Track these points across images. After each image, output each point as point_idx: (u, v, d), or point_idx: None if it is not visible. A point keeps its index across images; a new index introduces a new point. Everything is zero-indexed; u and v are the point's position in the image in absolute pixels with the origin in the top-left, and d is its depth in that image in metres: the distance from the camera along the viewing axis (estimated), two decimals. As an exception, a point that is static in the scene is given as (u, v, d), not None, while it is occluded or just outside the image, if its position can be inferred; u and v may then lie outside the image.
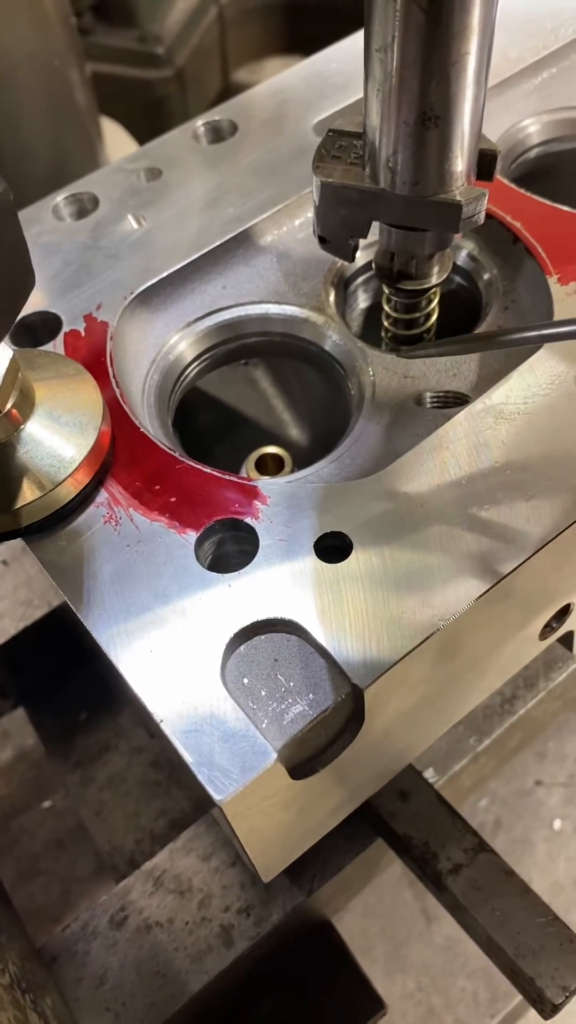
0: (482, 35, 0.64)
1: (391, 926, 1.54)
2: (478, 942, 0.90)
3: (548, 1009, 0.82)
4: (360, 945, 1.54)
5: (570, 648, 0.88)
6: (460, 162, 0.70)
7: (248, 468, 0.95)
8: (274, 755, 0.59)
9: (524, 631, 0.77)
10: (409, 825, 0.91)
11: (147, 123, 2.57)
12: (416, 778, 0.93)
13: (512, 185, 0.90)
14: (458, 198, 0.72)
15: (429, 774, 1.01)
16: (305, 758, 0.64)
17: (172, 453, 0.75)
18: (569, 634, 0.85)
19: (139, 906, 0.97)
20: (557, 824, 1.58)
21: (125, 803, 1.18)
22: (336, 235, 0.79)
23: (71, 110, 1.85)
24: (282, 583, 0.66)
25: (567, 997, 0.82)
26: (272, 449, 0.94)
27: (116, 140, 2.15)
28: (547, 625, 0.79)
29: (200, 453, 1.05)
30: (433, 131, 0.67)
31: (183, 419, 0.98)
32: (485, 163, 0.75)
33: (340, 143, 0.77)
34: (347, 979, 1.07)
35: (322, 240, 0.80)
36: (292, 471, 0.95)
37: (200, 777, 0.59)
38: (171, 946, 0.95)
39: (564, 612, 0.79)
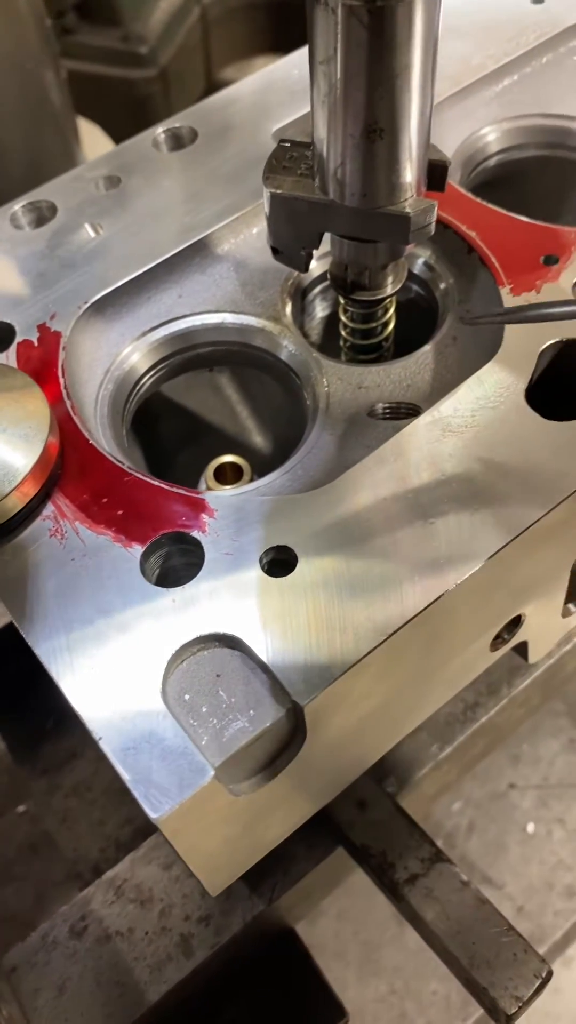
0: (425, 46, 0.64)
1: (364, 930, 1.54)
2: (435, 951, 0.90)
3: (503, 1020, 0.82)
4: (334, 948, 1.54)
5: (525, 658, 0.88)
6: (408, 174, 0.70)
7: (207, 477, 0.94)
8: (211, 772, 0.58)
9: (474, 643, 0.77)
10: (367, 835, 0.91)
11: (130, 123, 2.56)
12: (374, 788, 0.94)
13: (468, 194, 0.90)
14: (407, 210, 0.71)
15: (390, 782, 1.01)
16: (246, 774, 0.64)
17: (120, 465, 0.75)
18: (523, 643, 0.85)
19: (99, 915, 0.97)
20: (531, 827, 1.58)
21: (91, 811, 1.18)
22: (288, 246, 0.78)
23: (46, 112, 1.84)
24: (226, 597, 0.66)
25: (520, 1007, 0.82)
26: (230, 458, 0.94)
27: (93, 141, 2.14)
28: (498, 636, 0.79)
29: (163, 460, 1.05)
30: (379, 143, 0.67)
31: (145, 425, 0.98)
32: (435, 174, 0.74)
33: (291, 154, 0.77)
34: (309, 986, 1.06)
35: (275, 251, 0.80)
36: (252, 479, 0.95)
37: (136, 794, 0.59)
38: (131, 956, 0.95)
39: (515, 623, 0.79)
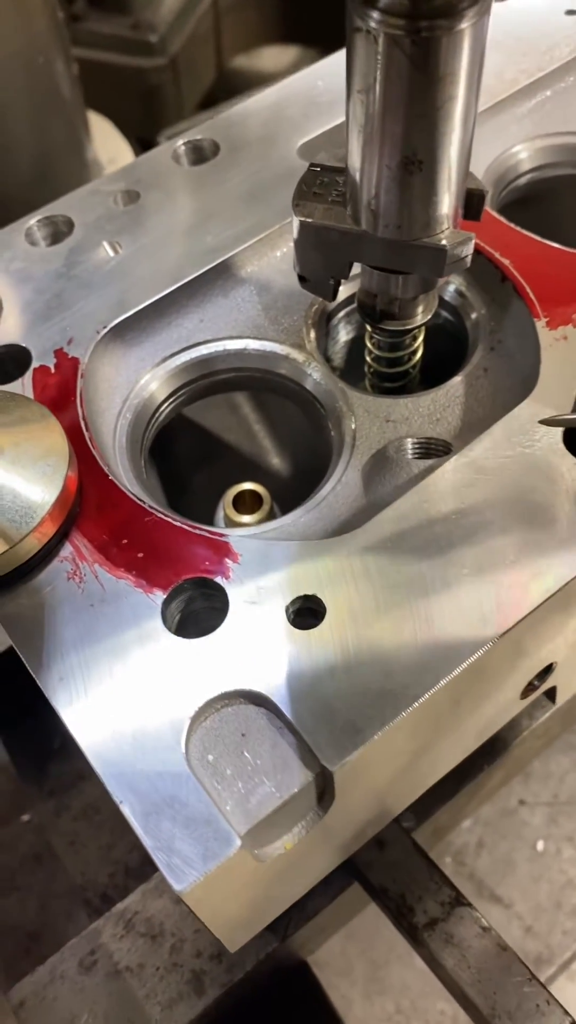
0: (469, 78, 0.61)
1: (371, 948, 1.53)
2: (455, 996, 0.88)
3: (523, 1072, 0.81)
4: (340, 966, 1.52)
5: (553, 700, 0.85)
6: (446, 205, 0.67)
7: (225, 504, 0.91)
8: (238, 843, 0.56)
9: (504, 694, 0.75)
10: (385, 876, 0.89)
11: (141, 112, 2.53)
12: (393, 827, 0.91)
13: (502, 219, 0.87)
14: (443, 242, 0.68)
15: (407, 817, 0.98)
16: (272, 838, 0.61)
17: (141, 504, 0.72)
18: (552, 688, 0.82)
19: (109, 950, 0.95)
20: (540, 845, 1.57)
21: (99, 835, 1.16)
22: (316, 275, 0.75)
23: (57, 106, 1.80)
24: (251, 650, 0.64)
25: (543, 1061, 0.80)
26: (250, 485, 0.91)
27: (104, 135, 2.10)
28: (529, 684, 0.77)
29: (180, 483, 1.03)
30: (417, 176, 0.64)
31: (162, 448, 0.95)
32: (472, 203, 0.71)
33: (322, 179, 0.73)
34: (322, 1020, 1.05)
35: (302, 279, 0.77)
36: (271, 508, 0.92)
37: (159, 863, 0.56)
38: (141, 992, 0.93)
39: (547, 671, 0.77)
